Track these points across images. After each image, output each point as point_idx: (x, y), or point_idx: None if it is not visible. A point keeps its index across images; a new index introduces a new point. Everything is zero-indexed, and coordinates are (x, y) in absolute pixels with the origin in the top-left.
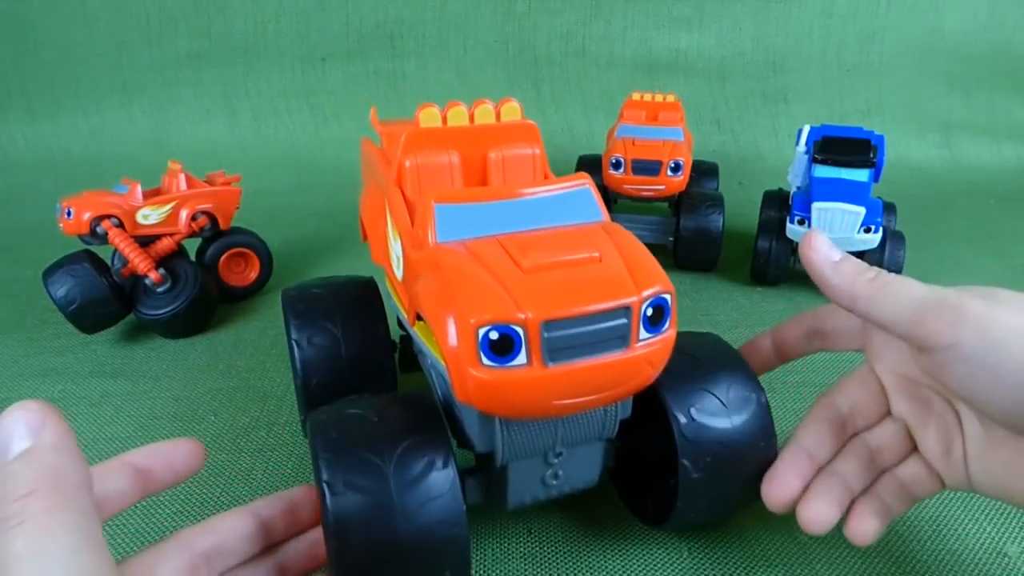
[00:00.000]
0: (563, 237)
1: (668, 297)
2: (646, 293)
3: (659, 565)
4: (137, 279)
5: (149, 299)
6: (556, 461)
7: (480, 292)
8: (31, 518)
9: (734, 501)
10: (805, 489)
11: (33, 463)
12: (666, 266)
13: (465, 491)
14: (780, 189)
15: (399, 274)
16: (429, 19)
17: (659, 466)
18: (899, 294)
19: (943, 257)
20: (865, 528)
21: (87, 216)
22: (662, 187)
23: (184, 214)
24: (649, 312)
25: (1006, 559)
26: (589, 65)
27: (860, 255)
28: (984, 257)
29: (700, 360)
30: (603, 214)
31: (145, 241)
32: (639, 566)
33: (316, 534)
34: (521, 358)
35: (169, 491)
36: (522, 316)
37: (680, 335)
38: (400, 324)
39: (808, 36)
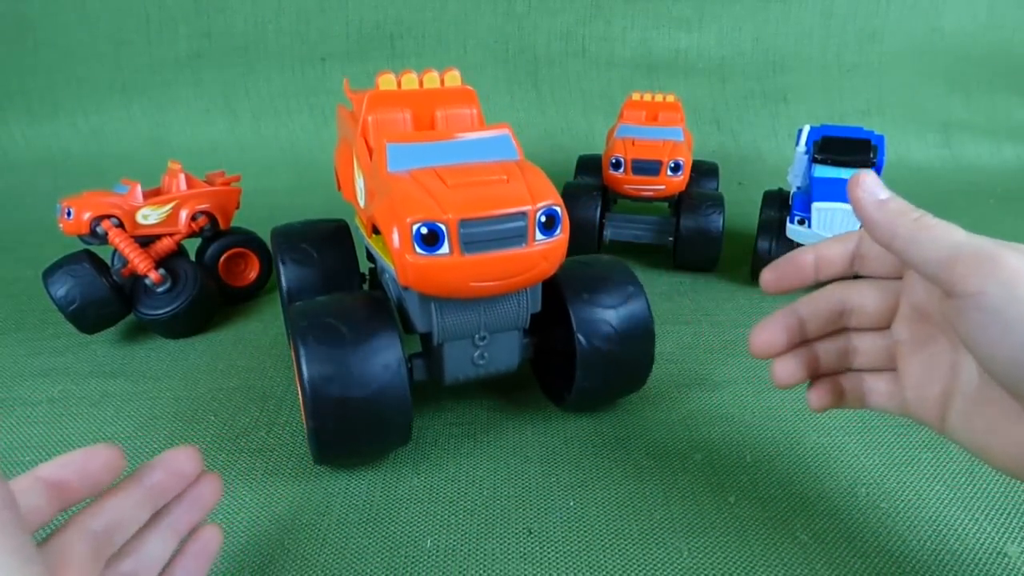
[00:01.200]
0: (483, 167)
1: (558, 208)
2: (540, 204)
3: (659, 565)
4: (137, 279)
5: (149, 299)
6: (482, 344)
7: (416, 201)
8: None
9: (621, 377)
10: (786, 347)
11: None
12: (666, 266)
13: (412, 369)
14: (780, 189)
15: (362, 202)
16: (429, 19)
17: (566, 357)
18: (938, 238)
19: None
20: (822, 401)
21: (87, 216)
22: (662, 187)
23: (184, 214)
24: (543, 219)
25: (1006, 559)
26: (589, 65)
27: None
28: None
29: (592, 267)
30: (518, 154)
31: (145, 241)
32: (638, 566)
33: (198, 488)
34: (444, 248)
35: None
36: (445, 216)
37: (581, 256)
38: (368, 255)
39: (808, 36)
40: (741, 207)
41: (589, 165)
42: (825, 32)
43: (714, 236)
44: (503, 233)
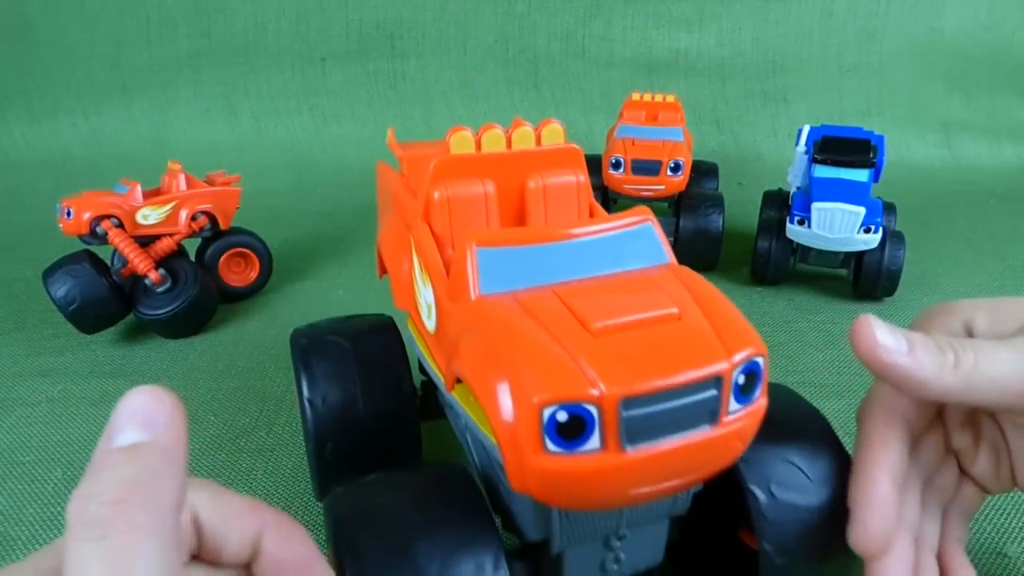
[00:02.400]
0: (632, 288)
1: (761, 361)
2: (737, 358)
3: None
4: (137, 279)
5: (149, 299)
6: (618, 544)
7: (543, 361)
8: (112, 535)
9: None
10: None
11: (135, 463)
12: None
13: None
14: (780, 189)
15: (430, 326)
16: (429, 19)
17: (725, 538)
18: (995, 373)
19: (943, 257)
20: None
21: (87, 216)
22: (662, 187)
23: (184, 214)
24: (741, 380)
25: (1006, 559)
26: (589, 65)
27: (860, 255)
28: (984, 257)
29: (777, 423)
30: (669, 255)
31: (145, 241)
32: None
33: None
34: (594, 442)
35: None
36: (596, 392)
37: None
38: (421, 369)
39: (808, 36)
40: (741, 207)
41: (589, 165)
42: (825, 32)
43: (714, 236)
44: (686, 411)
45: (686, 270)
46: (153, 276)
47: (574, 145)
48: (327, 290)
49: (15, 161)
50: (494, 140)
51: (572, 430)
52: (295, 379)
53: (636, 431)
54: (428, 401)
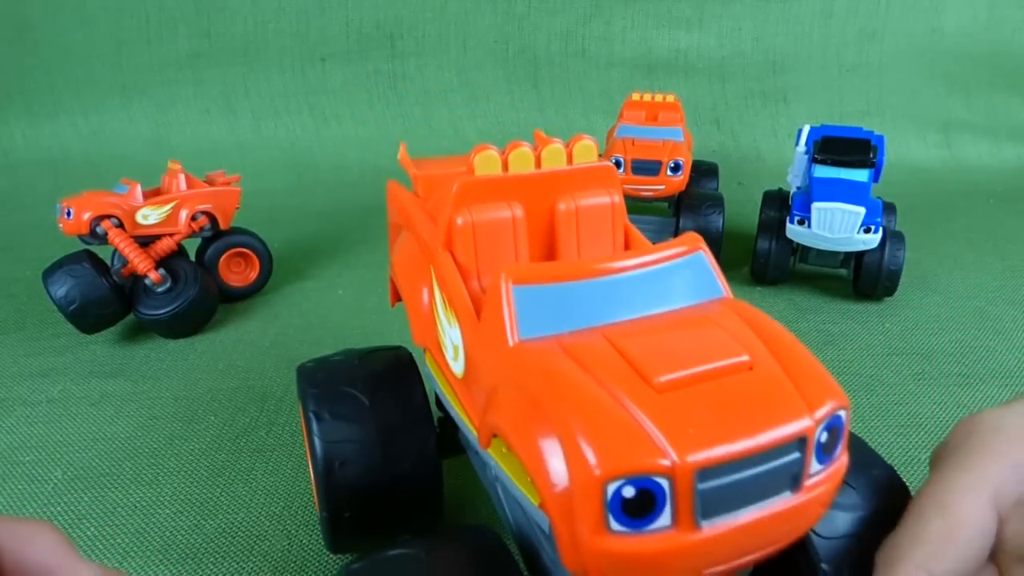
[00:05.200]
0: (692, 331)
1: (844, 415)
2: (820, 413)
3: None
4: (137, 279)
5: (149, 299)
6: None
7: (603, 423)
8: None
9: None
10: None
11: None
12: None
13: None
14: (780, 189)
15: (457, 369)
16: (429, 19)
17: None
18: None
19: (943, 257)
20: None
21: (87, 216)
22: (662, 187)
23: (184, 214)
24: (824, 438)
25: None
26: (589, 65)
27: (860, 255)
28: (984, 257)
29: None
30: (724, 288)
31: (145, 241)
32: None
33: None
34: (664, 519)
35: (169, 492)
36: (668, 463)
37: None
38: (438, 403)
39: (808, 36)
40: (741, 207)
41: None
42: (825, 32)
43: (714, 236)
44: (766, 479)
45: (746, 305)
46: (153, 276)
47: (608, 163)
48: (327, 290)
49: (15, 161)
50: (522, 159)
51: (639, 506)
52: (304, 425)
53: (712, 504)
54: (444, 437)
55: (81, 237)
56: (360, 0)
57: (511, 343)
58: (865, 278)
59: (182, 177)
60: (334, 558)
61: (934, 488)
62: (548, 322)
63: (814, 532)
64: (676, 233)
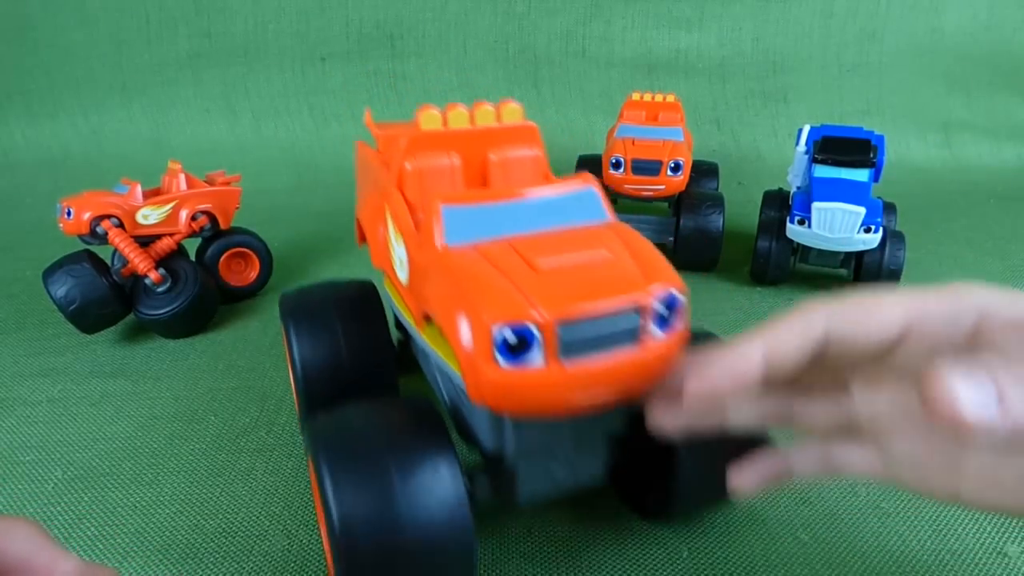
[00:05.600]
0: (573, 238)
1: (680, 296)
2: (657, 290)
3: (659, 565)
4: (137, 279)
5: (149, 299)
6: (564, 458)
7: (495, 293)
8: None
9: (727, 489)
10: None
11: None
12: None
13: (475, 488)
14: (780, 189)
15: (403, 277)
16: (429, 19)
17: (655, 460)
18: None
19: (943, 257)
20: (760, 480)
21: (87, 216)
22: (662, 187)
23: (184, 214)
24: (662, 310)
25: (1006, 559)
26: (589, 65)
27: (860, 255)
28: (984, 257)
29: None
30: (609, 215)
31: (145, 241)
32: (638, 566)
33: None
34: (536, 357)
35: (169, 491)
36: (537, 316)
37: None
38: (398, 326)
39: (808, 36)
40: (741, 207)
41: (589, 165)
42: (825, 32)
43: (714, 236)
44: (613, 334)
45: (623, 226)
46: (153, 276)
47: (531, 123)
48: None
49: (15, 161)
50: (459, 118)
51: (518, 348)
52: (284, 337)
53: (572, 349)
54: (404, 356)
55: (81, 237)
56: (360, 0)
57: (439, 247)
58: (865, 278)
59: (182, 177)
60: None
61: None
62: (468, 233)
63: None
64: (676, 233)
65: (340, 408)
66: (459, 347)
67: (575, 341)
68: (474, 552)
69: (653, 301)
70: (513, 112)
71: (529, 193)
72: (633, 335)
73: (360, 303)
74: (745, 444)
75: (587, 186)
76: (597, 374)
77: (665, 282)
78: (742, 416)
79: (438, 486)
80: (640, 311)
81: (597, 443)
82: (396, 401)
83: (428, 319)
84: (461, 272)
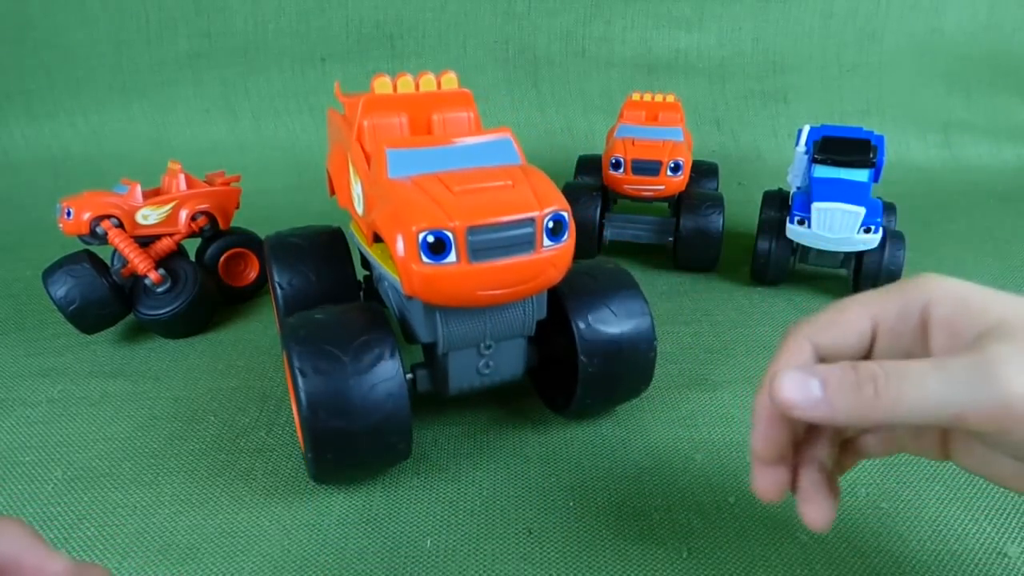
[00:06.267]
0: (487, 172)
1: (565, 214)
2: (547, 210)
3: (658, 565)
4: (137, 279)
5: (149, 299)
6: (487, 353)
7: (421, 209)
8: None
9: (620, 391)
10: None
11: None
12: (666, 266)
13: (415, 381)
14: (780, 189)
15: (360, 209)
16: (429, 19)
17: (566, 366)
18: (920, 404)
19: (943, 257)
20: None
21: (87, 216)
22: (662, 187)
23: (184, 214)
24: (551, 225)
25: (1006, 559)
26: (589, 65)
27: (860, 255)
28: (984, 257)
29: (597, 279)
30: (520, 158)
31: (145, 241)
32: (638, 566)
33: None
34: (451, 257)
35: (169, 492)
36: (452, 224)
37: (586, 262)
38: (364, 263)
39: (808, 36)
40: (741, 207)
41: (589, 165)
42: (825, 32)
43: (714, 236)
44: (511, 240)
45: (531, 167)
46: (153, 276)
47: (467, 90)
48: None
49: (15, 161)
50: (406, 85)
51: (437, 249)
52: (267, 272)
53: (478, 251)
54: (369, 291)
55: (81, 237)
56: (360, 0)
57: (384, 180)
58: (865, 278)
59: (182, 177)
60: (334, 558)
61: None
62: (407, 169)
63: (579, 334)
64: (676, 233)
65: (308, 311)
66: (395, 252)
67: (481, 244)
68: (410, 428)
69: (544, 218)
70: (451, 81)
71: (458, 140)
72: (529, 242)
73: (330, 245)
74: (638, 357)
75: (504, 135)
76: (499, 271)
77: (553, 204)
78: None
79: (382, 370)
80: (533, 223)
81: (516, 343)
82: (353, 307)
83: (377, 239)
84: (398, 197)
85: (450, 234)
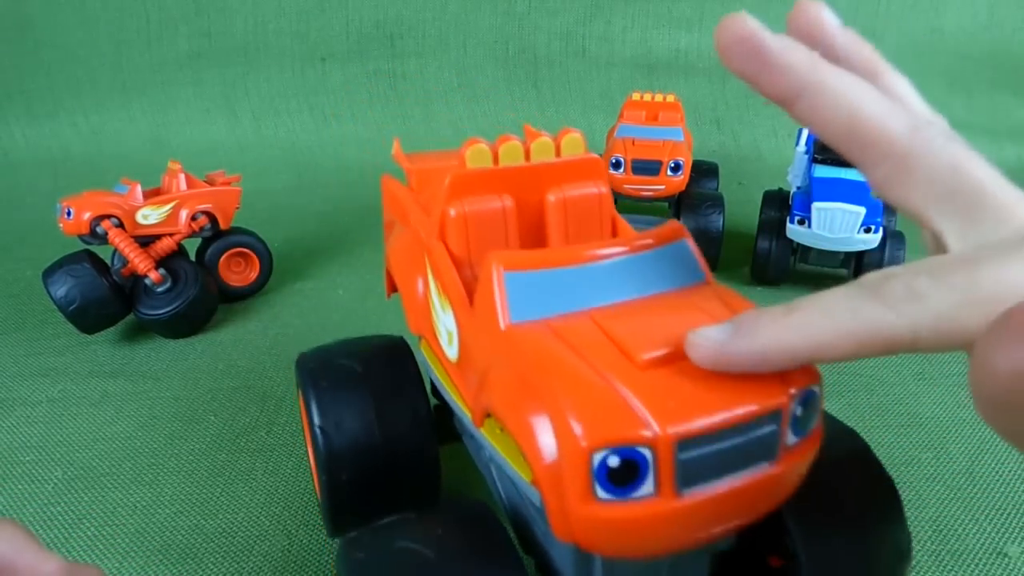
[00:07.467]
0: (675, 313)
1: (817, 390)
2: (795, 389)
3: None
4: (137, 279)
5: (149, 299)
6: None
7: (589, 397)
8: None
9: None
10: None
11: None
12: None
13: None
14: (780, 189)
15: (452, 354)
16: (429, 19)
17: (754, 563)
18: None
19: None
20: None
21: (87, 216)
22: (662, 187)
23: (184, 214)
24: (798, 411)
25: (1006, 559)
26: (589, 65)
27: (860, 255)
28: None
29: (845, 501)
30: (705, 272)
31: (145, 241)
32: None
33: None
34: (648, 487)
35: (169, 491)
36: (650, 434)
37: (823, 453)
38: (434, 391)
39: None
40: (741, 207)
41: None
42: None
43: (714, 236)
44: (743, 450)
45: (726, 289)
46: (153, 276)
47: (594, 155)
48: (327, 290)
49: (15, 161)
50: (512, 152)
51: (623, 475)
52: (303, 406)
53: (692, 474)
54: (443, 425)
55: (81, 237)
56: (360, 0)
57: (503, 326)
58: None
59: (182, 177)
60: (332, 555)
61: None
62: (537, 306)
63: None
64: None
65: (379, 525)
66: (540, 468)
67: (698, 464)
68: None
69: (792, 403)
70: (574, 144)
71: (609, 251)
72: (769, 449)
73: (394, 364)
74: (882, 559)
75: (679, 237)
76: (722, 502)
77: (804, 375)
78: None
79: None
80: (778, 418)
81: (699, 563)
82: (448, 515)
83: (489, 415)
84: (537, 362)
85: (648, 451)
